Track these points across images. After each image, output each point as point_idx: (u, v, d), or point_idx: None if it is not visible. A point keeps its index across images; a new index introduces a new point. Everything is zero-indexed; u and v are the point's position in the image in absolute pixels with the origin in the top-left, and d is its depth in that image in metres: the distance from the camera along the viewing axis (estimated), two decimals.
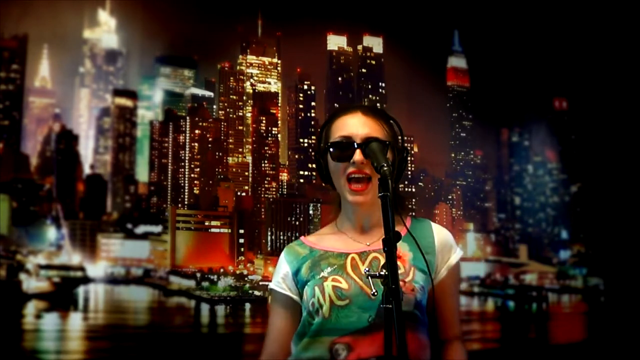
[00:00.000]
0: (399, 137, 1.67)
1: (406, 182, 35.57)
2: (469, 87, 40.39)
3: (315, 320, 1.56)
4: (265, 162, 34.40)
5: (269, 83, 36.79)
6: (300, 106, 35.61)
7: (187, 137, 34.44)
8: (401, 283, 1.53)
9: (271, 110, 35.03)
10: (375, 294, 1.39)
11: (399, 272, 1.56)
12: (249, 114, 35.79)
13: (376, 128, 1.62)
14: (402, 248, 1.60)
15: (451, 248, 1.70)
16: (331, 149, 1.62)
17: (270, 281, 1.73)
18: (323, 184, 1.69)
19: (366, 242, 1.64)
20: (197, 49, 37.51)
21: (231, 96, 36.14)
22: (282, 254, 1.70)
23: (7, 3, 29.68)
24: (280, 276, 1.68)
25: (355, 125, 1.62)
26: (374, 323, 1.49)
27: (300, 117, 35.43)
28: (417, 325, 1.55)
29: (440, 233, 1.71)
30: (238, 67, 36.66)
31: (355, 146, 1.58)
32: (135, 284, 29.28)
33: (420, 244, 1.56)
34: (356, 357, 1.48)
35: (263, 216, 32.76)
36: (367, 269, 1.49)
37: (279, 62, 36.97)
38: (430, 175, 37.56)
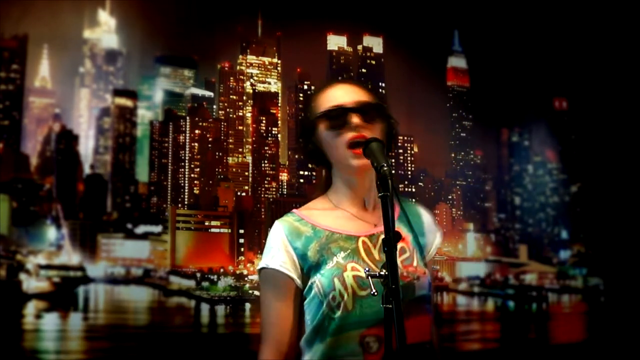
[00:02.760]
0: (386, 106, 1.63)
1: (406, 182, 35.59)
2: (469, 87, 40.42)
3: (337, 314, 1.48)
4: (265, 162, 34.41)
5: (269, 83, 36.81)
6: (300, 106, 35.61)
7: (187, 137, 34.46)
8: (412, 268, 1.52)
9: (271, 110, 35.03)
10: (376, 294, 1.37)
11: (406, 256, 1.55)
12: (249, 114, 35.80)
13: (364, 94, 1.59)
14: (401, 230, 1.52)
15: (436, 229, 1.70)
16: (323, 120, 1.56)
17: None
18: (311, 165, 1.63)
19: (373, 223, 1.59)
20: (197, 49, 37.54)
21: (231, 96, 36.16)
22: (282, 231, 1.56)
23: (7, 3, 29.69)
24: (284, 257, 1.54)
25: (342, 94, 1.57)
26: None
27: (300, 117, 35.44)
28: (430, 307, 1.55)
29: (426, 214, 1.70)
30: (238, 67, 36.68)
31: (350, 110, 1.55)
32: (135, 284, 29.28)
33: (413, 224, 1.57)
34: (389, 349, 1.45)
35: (263, 216, 32.78)
36: (367, 269, 1.47)
37: (279, 62, 36.99)
38: (430, 175, 37.59)
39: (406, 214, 1.56)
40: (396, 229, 1.34)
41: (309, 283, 1.53)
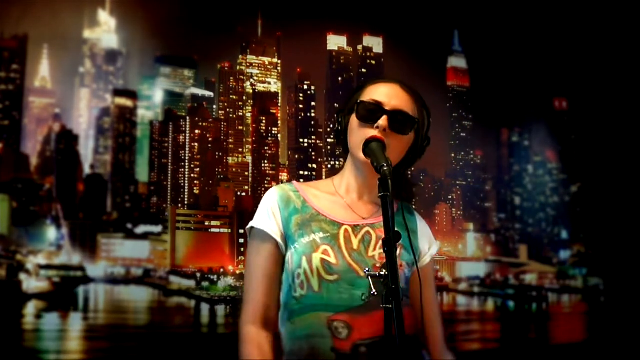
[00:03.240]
0: (426, 126, 1.68)
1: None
2: (469, 87, 40.40)
3: (303, 292, 1.52)
4: (265, 162, 34.40)
5: (269, 83, 36.80)
6: (300, 106, 35.61)
7: (187, 137, 34.45)
8: None
9: (271, 110, 35.03)
10: (375, 294, 1.38)
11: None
12: (249, 114, 35.80)
13: (408, 104, 1.62)
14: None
15: (431, 238, 1.72)
16: (359, 107, 1.60)
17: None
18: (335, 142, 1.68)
19: (362, 215, 1.62)
20: (197, 49, 37.51)
21: (231, 96, 36.15)
22: (275, 196, 1.61)
23: (7, 3, 29.68)
24: (272, 220, 1.59)
25: (389, 95, 1.62)
26: (368, 302, 1.47)
27: (300, 117, 35.44)
28: (407, 300, 1.56)
29: (422, 221, 1.73)
30: (238, 67, 36.67)
31: (384, 112, 1.58)
32: (135, 284, 29.27)
33: (408, 224, 1.58)
34: (359, 337, 1.46)
35: None
36: (367, 269, 1.48)
37: (279, 62, 36.98)
38: (430, 175, 37.57)
39: (403, 212, 1.59)
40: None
41: (286, 255, 1.57)
